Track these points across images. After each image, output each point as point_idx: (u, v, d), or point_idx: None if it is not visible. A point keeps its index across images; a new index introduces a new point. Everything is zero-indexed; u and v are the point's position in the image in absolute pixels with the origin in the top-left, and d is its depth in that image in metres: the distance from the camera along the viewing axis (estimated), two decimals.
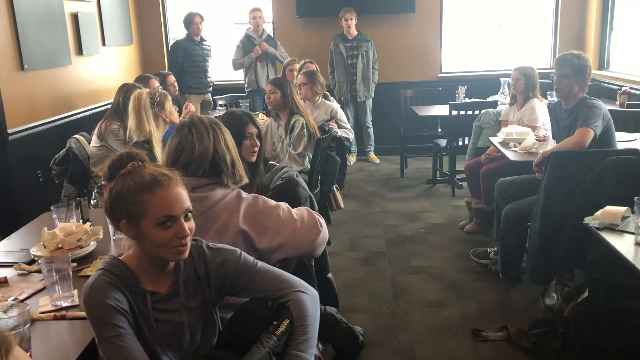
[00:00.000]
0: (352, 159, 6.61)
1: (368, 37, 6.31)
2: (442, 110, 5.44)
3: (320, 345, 2.68)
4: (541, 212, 2.95)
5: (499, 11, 7.40)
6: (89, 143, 3.80)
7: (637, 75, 5.59)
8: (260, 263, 1.63)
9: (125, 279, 1.44)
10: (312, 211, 1.96)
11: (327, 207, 4.38)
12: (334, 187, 4.25)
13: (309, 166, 3.78)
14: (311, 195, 2.59)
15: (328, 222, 4.53)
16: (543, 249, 2.96)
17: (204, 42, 6.21)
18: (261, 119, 4.71)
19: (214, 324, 1.62)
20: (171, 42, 6.55)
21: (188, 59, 6.07)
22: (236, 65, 6.36)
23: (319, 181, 3.95)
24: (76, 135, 3.85)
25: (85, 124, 4.88)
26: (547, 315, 2.71)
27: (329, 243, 4.05)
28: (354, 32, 6.27)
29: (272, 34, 6.58)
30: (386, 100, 6.53)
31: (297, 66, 5.14)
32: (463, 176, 4.72)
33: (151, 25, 6.80)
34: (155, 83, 4.50)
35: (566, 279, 2.80)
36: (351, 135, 4.51)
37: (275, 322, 1.49)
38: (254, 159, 2.54)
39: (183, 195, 1.47)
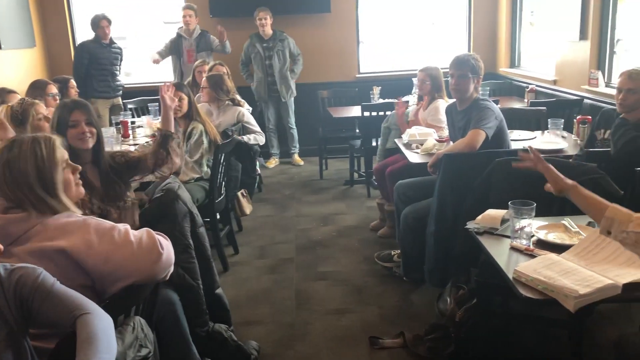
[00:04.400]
0: (272, 162, 6.50)
1: (284, 35, 6.20)
2: (357, 111, 5.41)
3: None
4: (436, 215, 2.93)
5: (416, 11, 7.48)
6: None
7: (544, 73, 5.74)
8: (57, 285, 1.50)
9: None
10: (154, 233, 1.81)
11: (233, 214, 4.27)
12: (240, 193, 4.14)
13: (209, 172, 3.64)
14: (192, 211, 2.45)
15: (239, 230, 4.43)
16: (439, 251, 2.94)
17: (113, 45, 5.94)
18: None
19: (26, 357, 1.48)
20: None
21: (94, 62, 5.78)
22: (154, 56, 6.15)
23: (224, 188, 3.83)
24: None
25: None
26: (440, 320, 2.70)
27: (236, 252, 4.00)
28: (269, 31, 6.16)
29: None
30: (305, 102, 6.44)
31: (207, 68, 4.98)
32: None
33: (56, 26, 6.45)
34: (53, 89, 4.24)
35: (461, 281, 2.80)
36: (261, 139, 4.40)
37: None
38: (87, 145, 2.50)
39: None
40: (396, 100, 4.45)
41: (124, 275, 1.71)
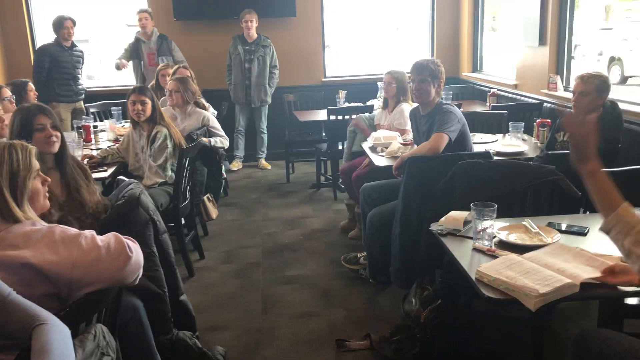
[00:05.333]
0: (235, 165, 6.46)
1: (268, 41, 6.18)
2: (323, 115, 5.43)
3: None
4: (400, 217, 2.96)
5: (381, 16, 7.56)
6: None
7: (505, 77, 5.87)
8: (13, 295, 1.47)
9: None
10: (121, 236, 1.79)
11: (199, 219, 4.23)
12: (205, 197, 4.10)
13: (173, 177, 3.60)
14: (154, 217, 2.41)
15: (205, 235, 4.39)
16: (404, 253, 2.97)
17: (74, 48, 5.82)
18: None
19: None
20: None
21: (55, 66, 5.65)
22: (121, 62, 6.06)
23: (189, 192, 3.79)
24: None
25: None
26: (406, 321, 2.72)
27: (202, 257, 3.96)
28: (253, 34, 6.12)
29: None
30: (272, 105, 6.43)
31: (171, 71, 4.93)
32: None
33: (15, 28, 6.29)
34: (7, 93, 4.13)
35: (426, 282, 2.83)
36: (226, 143, 4.37)
37: None
38: (53, 149, 2.53)
39: None
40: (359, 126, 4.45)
41: (92, 280, 1.68)
